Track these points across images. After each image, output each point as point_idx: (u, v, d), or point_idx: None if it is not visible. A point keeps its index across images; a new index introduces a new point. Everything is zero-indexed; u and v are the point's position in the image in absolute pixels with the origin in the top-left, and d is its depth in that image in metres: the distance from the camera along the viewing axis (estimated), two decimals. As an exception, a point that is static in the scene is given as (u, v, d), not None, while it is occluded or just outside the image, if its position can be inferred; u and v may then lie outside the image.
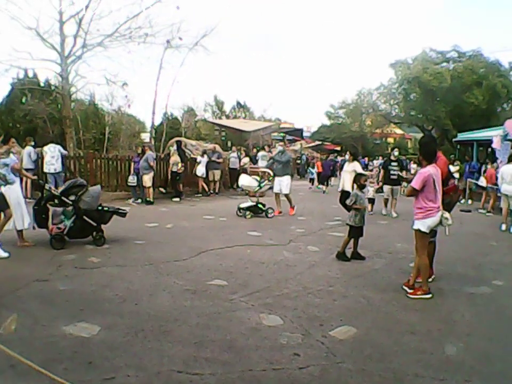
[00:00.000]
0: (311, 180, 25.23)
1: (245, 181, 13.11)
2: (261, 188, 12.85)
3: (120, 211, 8.95)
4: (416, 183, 5.85)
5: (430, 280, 6.54)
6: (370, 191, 13.31)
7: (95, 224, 8.44)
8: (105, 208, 8.78)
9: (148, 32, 20.07)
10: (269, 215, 12.45)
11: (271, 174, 13.10)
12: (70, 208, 8.28)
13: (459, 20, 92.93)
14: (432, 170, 5.86)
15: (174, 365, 3.82)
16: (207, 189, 18.48)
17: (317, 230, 10.73)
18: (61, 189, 8.54)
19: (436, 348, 4.37)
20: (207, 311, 5.09)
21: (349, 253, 7.85)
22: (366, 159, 41.42)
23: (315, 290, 6.06)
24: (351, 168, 11.89)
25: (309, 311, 5.26)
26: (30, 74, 22.16)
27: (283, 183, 12.74)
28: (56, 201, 8.31)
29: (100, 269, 6.77)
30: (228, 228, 10.67)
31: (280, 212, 12.92)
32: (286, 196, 12.92)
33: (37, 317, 4.79)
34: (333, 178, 26.05)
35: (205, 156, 18.48)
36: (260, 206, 12.54)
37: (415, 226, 6.01)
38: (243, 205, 12.56)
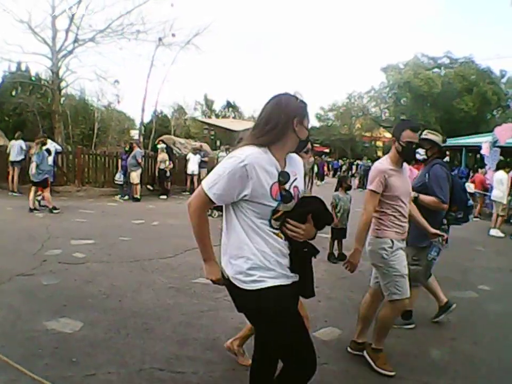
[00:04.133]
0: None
1: None
2: None
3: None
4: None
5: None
6: None
7: None
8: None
9: (140, 29, 20.07)
10: None
11: None
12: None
13: (452, 27, 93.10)
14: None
15: (156, 363, 3.77)
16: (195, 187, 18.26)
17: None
18: None
19: (421, 351, 4.37)
20: (191, 309, 5.04)
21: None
22: (340, 161, 41.90)
23: (301, 291, 6.02)
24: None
25: (294, 312, 5.22)
26: (23, 67, 22.03)
27: None
28: None
29: (85, 265, 6.69)
30: (215, 227, 10.60)
31: None
32: None
33: (19, 311, 4.72)
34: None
35: (197, 155, 18.28)
36: None
37: None
38: None
